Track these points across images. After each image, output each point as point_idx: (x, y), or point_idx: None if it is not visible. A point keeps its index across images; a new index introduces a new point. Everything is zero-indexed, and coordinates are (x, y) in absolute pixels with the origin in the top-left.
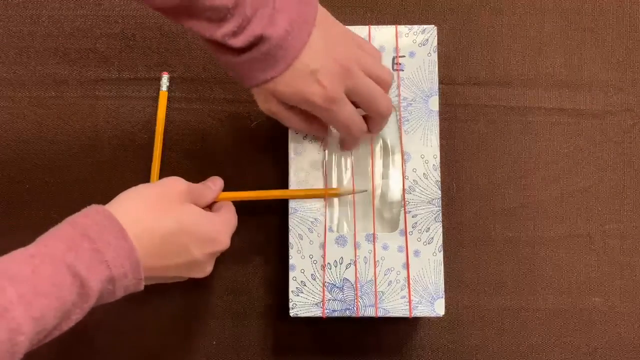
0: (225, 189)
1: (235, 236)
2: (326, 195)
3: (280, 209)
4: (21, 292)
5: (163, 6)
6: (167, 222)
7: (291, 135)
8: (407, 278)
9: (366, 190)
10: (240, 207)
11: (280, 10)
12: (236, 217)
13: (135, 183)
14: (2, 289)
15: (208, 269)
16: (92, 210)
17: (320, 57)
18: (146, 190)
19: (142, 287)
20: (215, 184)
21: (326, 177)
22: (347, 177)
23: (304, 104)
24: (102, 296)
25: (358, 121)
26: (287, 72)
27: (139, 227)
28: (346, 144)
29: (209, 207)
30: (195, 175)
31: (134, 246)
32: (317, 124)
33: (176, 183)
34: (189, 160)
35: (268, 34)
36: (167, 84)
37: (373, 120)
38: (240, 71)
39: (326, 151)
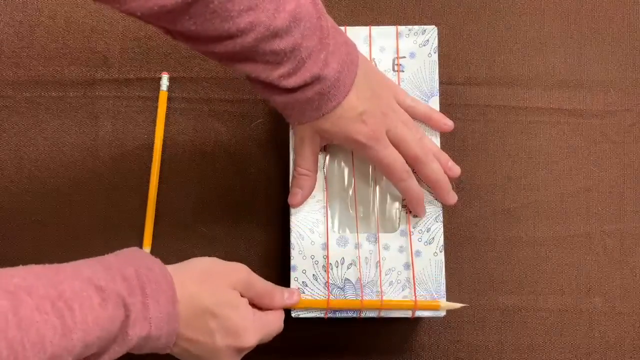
0: (226, 189)
1: (235, 236)
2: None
3: (281, 209)
4: (85, 319)
5: (225, 50)
6: (206, 298)
7: (292, 135)
8: (412, 278)
9: (467, 305)
10: (241, 206)
11: (333, 53)
12: (280, 324)
13: (135, 183)
14: (72, 310)
15: None
16: (157, 266)
17: (366, 100)
18: (209, 264)
19: (167, 351)
20: (291, 296)
21: (326, 176)
22: (348, 177)
23: (349, 141)
24: (133, 348)
25: (399, 159)
26: (336, 111)
27: (182, 292)
28: (410, 200)
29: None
30: (195, 175)
31: (178, 314)
32: (312, 180)
33: (238, 269)
34: (189, 160)
35: (324, 75)
36: (167, 84)
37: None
38: (294, 109)
39: (327, 152)
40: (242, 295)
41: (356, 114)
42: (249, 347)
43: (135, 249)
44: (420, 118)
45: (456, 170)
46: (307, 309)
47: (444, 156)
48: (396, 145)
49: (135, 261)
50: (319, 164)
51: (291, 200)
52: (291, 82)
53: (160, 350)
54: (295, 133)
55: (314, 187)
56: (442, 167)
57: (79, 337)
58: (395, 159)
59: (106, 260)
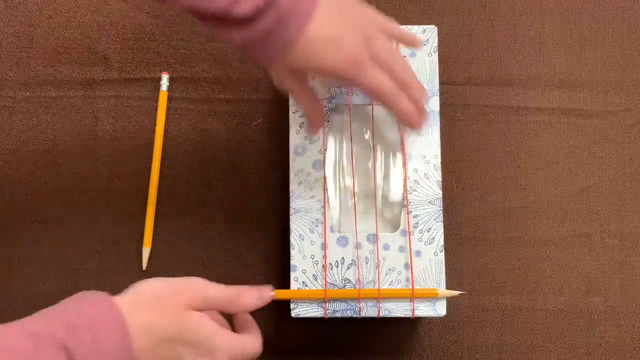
0: (225, 189)
1: (235, 236)
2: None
3: (281, 209)
4: None
5: None
6: (166, 326)
7: (292, 135)
8: (411, 278)
9: (465, 293)
10: (241, 206)
11: None
12: (256, 344)
13: (135, 183)
14: None
15: None
16: (100, 300)
17: (339, 23)
18: (159, 287)
19: None
20: (262, 295)
21: (325, 177)
22: (348, 177)
23: (327, 73)
24: None
25: (386, 81)
26: (304, 40)
27: (136, 321)
28: (404, 118)
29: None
30: (195, 175)
31: (131, 346)
32: (320, 108)
33: (190, 285)
34: (189, 161)
35: None
36: (167, 84)
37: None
38: (255, 45)
39: (326, 150)
40: (202, 310)
41: (329, 40)
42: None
43: (83, 292)
44: (394, 39)
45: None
46: (306, 308)
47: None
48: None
49: (78, 301)
50: (319, 163)
51: (308, 132)
52: (243, 7)
53: None
54: (273, 79)
55: (323, 112)
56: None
57: None
58: (382, 81)
59: (49, 308)
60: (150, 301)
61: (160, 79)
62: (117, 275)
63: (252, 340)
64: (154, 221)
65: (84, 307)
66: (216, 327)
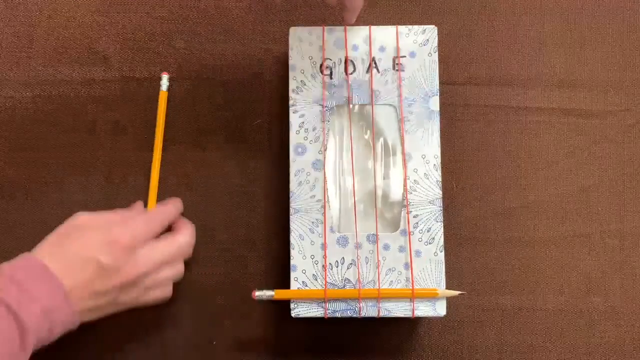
0: (225, 189)
1: (235, 236)
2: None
3: (281, 209)
4: None
5: None
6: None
7: (292, 135)
8: (411, 278)
9: (465, 293)
10: (240, 206)
11: None
12: (185, 241)
13: (136, 182)
14: None
15: (152, 294)
16: (20, 260)
17: None
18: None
19: (77, 321)
20: (175, 206)
21: (325, 177)
22: (348, 177)
23: None
24: (40, 330)
25: None
26: None
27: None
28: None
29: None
30: (195, 175)
31: (60, 282)
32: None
33: (123, 241)
34: (189, 161)
35: None
36: (167, 84)
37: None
38: None
39: (326, 150)
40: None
41: None
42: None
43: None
44: None
45: None
46: (306, 308)
47: None
48: None
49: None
50: (319, 163)
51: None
52: None
53: (70, 324)
54: None
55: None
56: None
57: None
58: None
59: None
60: (62, 247)
61: (160, 78)
62: None
63: (181, 238)
64: None
65: (4, 267)
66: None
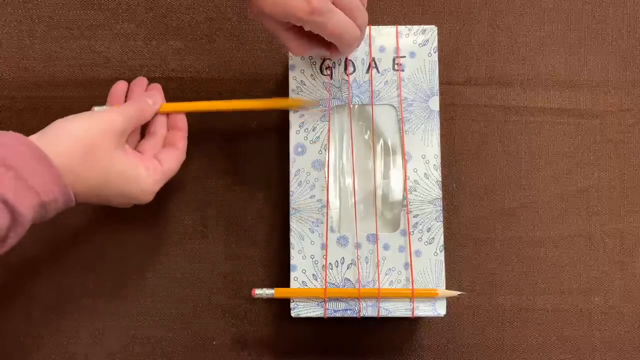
0: (225, 188)
1: (235, 236)
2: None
3: (281, 209)
4: None
5: None
6: (94, 174)
7: (292, 135)
8: (411, 278)
9: (465, 293)
10: (240, 206)
11: None
12: (178, 163)
13: None
14: None
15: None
16: (11, 138)
17: None
18: (78, 132)
19: (73, 204)
20: (154, 98)
21: (328, 177)
22: (348, 177)
23: (291, 19)
24: (35, 219)
25: (350, 27)
26: None
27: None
28: (339, 51)
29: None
30: (195, 175)
31: (59, 173)
32: (317, 42)
33: (110, 127)
34: (189, 161)
35: None
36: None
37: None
38: None
39: (327, 150)
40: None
41: None
42: (146, 202)
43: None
44: None
45: None
46: (306, 308)
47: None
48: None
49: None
50: (319, 163)
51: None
52: None
53: (64, 208)
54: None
55: (325, 43)
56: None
57: None
58: (346, 27)
59: None
60: (73, 150)
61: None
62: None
63: (174, 164)
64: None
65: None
66: (143, 168)
